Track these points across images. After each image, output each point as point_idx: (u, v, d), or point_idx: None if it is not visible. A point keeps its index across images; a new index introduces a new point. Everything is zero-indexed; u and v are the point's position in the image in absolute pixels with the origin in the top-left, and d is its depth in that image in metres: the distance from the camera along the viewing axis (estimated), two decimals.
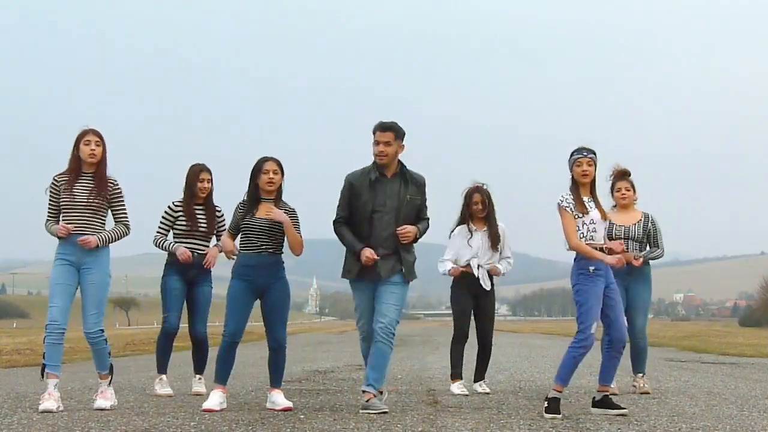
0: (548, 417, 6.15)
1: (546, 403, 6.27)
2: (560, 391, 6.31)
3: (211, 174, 7.95)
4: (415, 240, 6.67)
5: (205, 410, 6.43)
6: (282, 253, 6.78)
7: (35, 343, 21.35)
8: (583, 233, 6.43)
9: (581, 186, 6.50)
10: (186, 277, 7.83)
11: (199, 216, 7.86)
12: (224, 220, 7.94)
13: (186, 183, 7.91)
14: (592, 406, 6.43)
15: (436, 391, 8.30)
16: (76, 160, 6.70)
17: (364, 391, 6.49)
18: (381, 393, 6.66)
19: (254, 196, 6.74)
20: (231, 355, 6.67)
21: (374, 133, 6.56)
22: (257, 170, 6.72)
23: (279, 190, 6.78)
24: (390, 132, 6.52)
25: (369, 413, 6.26)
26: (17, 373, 11.32)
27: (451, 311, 8.46)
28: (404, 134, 6.60)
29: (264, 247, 6.68)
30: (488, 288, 8.30)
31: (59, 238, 6.64)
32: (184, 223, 7.83)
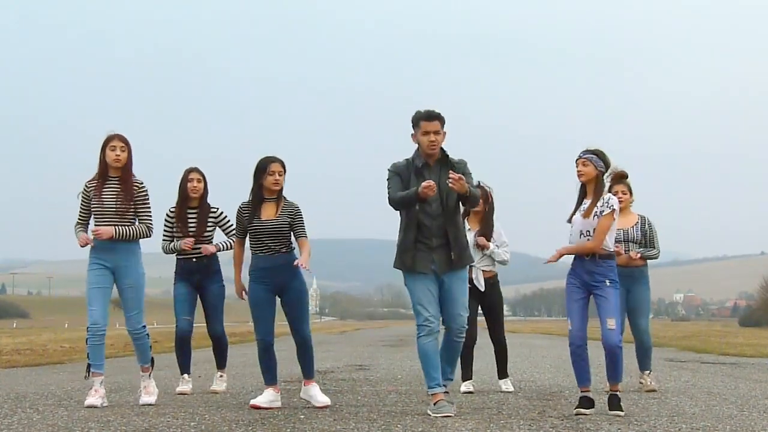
0: (573, 412, 6.35)
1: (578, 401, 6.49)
2: (585, 391, 6.46)
3: (201, 174, 8.07)
4: (467, 195, 6.30)
5: (252, 406, 6.65)
6: (294, 249, 6.84)
7: (35, 343, 21.37)
8: (569, 237, 6.60)
9: (587, 186, 6.55)
10: (192, 282, 8.00)
11: (190, 219, 8.01)
12: (224, 217, 8.07)
13: (179, 187, 8.06)
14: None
15: None
16: (103, 165, 6.94)
17: (443, 385, 6.35)
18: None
19: (258, 197, 6.77)
20: (269, 357, 6.82)
21: (417, 124, 6.36)
22: (261, 171, 6.77)
23: (280, 190, 6.85)
24: (437, 121, 6.34)
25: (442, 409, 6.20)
26: (17, 373, 11.32)
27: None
28: (445, 121, 6.42)
29: (275, 247, 6.75)
30: (482, 289, 8.31)
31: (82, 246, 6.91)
32: (177, 228, 8.03)
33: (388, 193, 6.39)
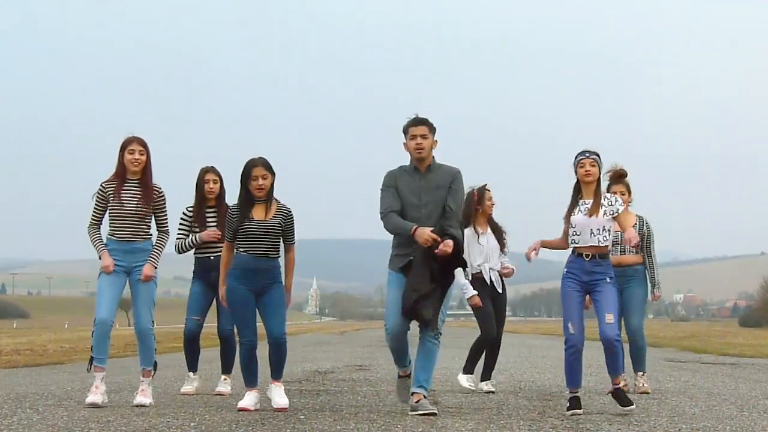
0: (568, 414, 6.35)
1: (568, 403, 6.49)
2: (574, 392, 6.48)
3: (218, 175, 8.02)
4: (457, 252, 6.34)
5: (240, 409, 6.58)
6: (279, 257, 6.81)
7: (35, 343, 21.39)
8: (572, 237, 6.63)
9: (585, 187, 6.64)
10: (209, 280, 7.84)
11: (210, 220, 7.94)
12: None
13: (196, 187, 8.00)
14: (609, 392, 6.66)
15: (436, 391, 8.29)
16: (121, 167, 6.97)
17: (413, 393, 6.40)
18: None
19: (248, 199, 6.71)
20: (253, 359, 6.77)
21: (407, 131, 6.52)
22: (246, 176, 6.68)
23: (271, 191, 6.76)
24: (424, 126, 6.50)
25: (417, 414, 6.20)
26: (17, 374, 11.32)
27: (468, 312, 8.54)
28: (436, 129, 6.57)
29: (262, 249, 6.67)
30: (500, 290, 8.45)
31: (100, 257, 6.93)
32: (195, 227, 7.94)
33: (382, 210, 6.49)
